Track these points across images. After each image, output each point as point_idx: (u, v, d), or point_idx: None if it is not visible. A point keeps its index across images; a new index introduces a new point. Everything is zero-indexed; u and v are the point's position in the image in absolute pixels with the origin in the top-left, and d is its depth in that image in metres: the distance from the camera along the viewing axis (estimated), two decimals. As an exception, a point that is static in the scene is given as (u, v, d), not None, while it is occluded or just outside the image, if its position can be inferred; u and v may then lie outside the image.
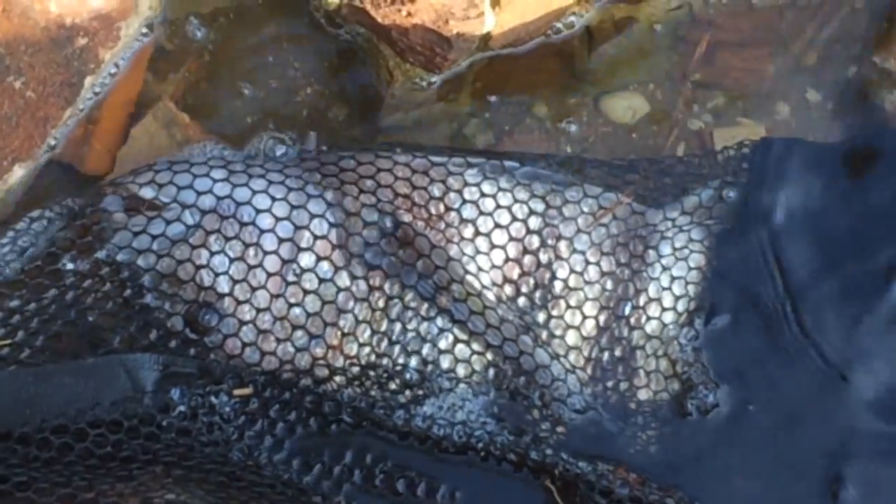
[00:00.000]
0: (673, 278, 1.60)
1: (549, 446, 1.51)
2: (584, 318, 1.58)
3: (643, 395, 1.58)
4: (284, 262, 1.49)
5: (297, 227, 1.50)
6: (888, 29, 1.78)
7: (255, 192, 1.51)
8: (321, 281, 1.50)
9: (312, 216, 1.51)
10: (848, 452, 1.56)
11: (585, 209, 1.59)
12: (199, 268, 1.48)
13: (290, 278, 1.49)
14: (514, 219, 1.57)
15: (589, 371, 1.57)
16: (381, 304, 1.52)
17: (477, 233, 1.55)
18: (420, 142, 1.69)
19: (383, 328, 1.52)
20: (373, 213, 1.53)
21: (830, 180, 1.66)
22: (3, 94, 1.58)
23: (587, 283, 1.58)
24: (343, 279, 1.51)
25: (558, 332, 1.57)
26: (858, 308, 1.61)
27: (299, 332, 1.49)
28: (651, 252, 1.60)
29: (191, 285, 1.47)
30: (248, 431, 1.46)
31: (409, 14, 1.63)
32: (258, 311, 1.48)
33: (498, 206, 1.57)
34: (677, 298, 1.60)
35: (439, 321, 1.53)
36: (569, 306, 1.57)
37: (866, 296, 1.61)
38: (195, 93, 1.73)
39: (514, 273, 1.56)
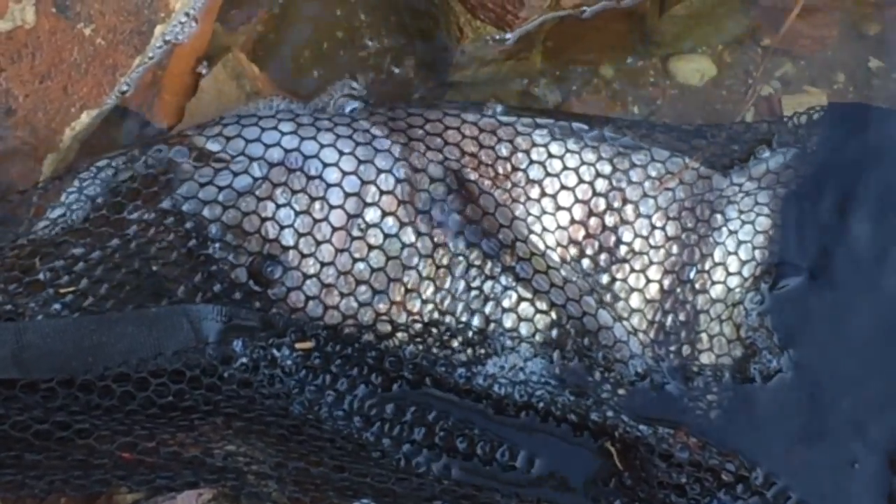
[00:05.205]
0: (739, 243, 1.55)
1: (609, 408, 1.47)
2: (648, 281, 1.53)
3: (706, 359, 1.53)
4: (350, 216, 1.45)
5: (364, 182, 1.46)
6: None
7: (322, 146, 1.46)
8: (386, 236, 1.46)
9: (379, 171, 1.47)
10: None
11: (652, 173, 1.54)
12: (264, 220, 1.43)
13: (355, 233, 1.45)
14: (581, 181, 1.52)
15: (652, 334, 1.52)
16: (445, 261, 1.47)
17: (543, 193, 1.50)
18: (487, 100, 1.64)
19: (447, 285, 1.47)
20: (439, 170, 1.48)
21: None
22: (73, 40, 1.54)
23: (652, 246, 1.53)
24: (408, 235, 1.46)
25: (622, 295, 1.52)
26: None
27: (363, 287, 1.45)
28: (717, 216, 1.55)
29: (256, 237, 1.43)
30: (310, 385, 1.43)
31: (482, -30, 1.59)
32: (322, 265, 1.44)
33: (565, 168, 1.52)
34: (743, 263, 1.55)
35: (503, 280, 1.48)
36: (633, 270, 1.52)
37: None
38: (265, 44, 1.69)
39: (580, 235, 1.51)
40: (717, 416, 1.50)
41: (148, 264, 1.43)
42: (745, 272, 1.54)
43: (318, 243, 1.44)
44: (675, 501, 1.43)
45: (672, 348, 1.52)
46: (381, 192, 1.46)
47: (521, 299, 1.49)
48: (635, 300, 1.52)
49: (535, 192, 1.50)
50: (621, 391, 1.49)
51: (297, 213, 1.44)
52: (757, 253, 1.55)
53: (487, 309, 1.48)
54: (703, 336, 1.53)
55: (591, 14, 1.69)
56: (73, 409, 1.35)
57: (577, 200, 1.51)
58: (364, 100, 1.62)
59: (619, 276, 1.52)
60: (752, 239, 1.55)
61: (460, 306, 1.48)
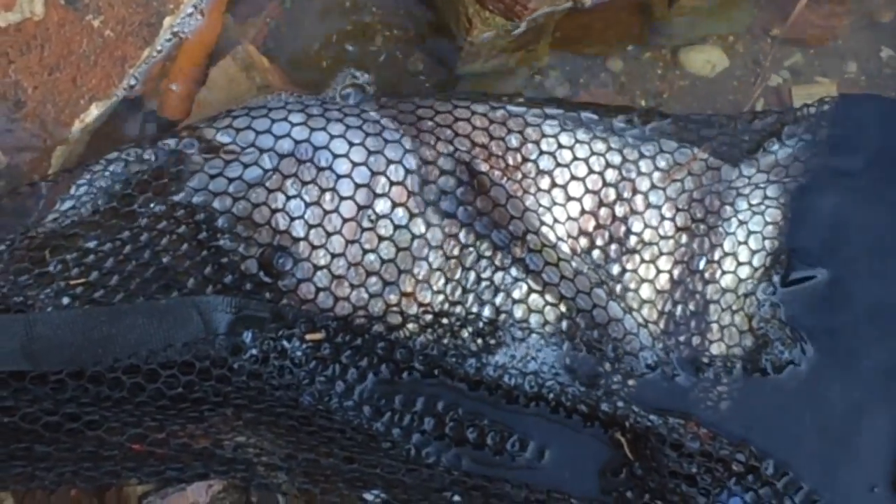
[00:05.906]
0: (749, 233, 1.54)
1: (620, 399, 1.46)
2: (659, 272, 1.52)
3: (716, 349, 1.51)
4: (360, 207, 1.45)
5: (374, 173, 1.45)
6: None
7: (332, 137, 1.46)
8: (396, 227, 1.45)
9: (389, 161, 1.46)
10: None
11: (662, 164, 1.54)
12: (274, 211, 1.43)
13: (366, 224, 1.45)
14: (591, 171, 1.51)
15: (662, 325, 1.51)
16: (455, 252, 1.47)
17: (553, 184, 1.50)
18: (497, 91, 1.65)
19: (457, 276, 1.47)
20: (449, 162, 1.47)
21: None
22: (82, 32, 1.54)
23: (662, 237, 1.52)
24: (418, 226, 1.46)
25: (632, 286, 1.51)
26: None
27: (373, 279, 1.44)
28: (727, 207, 1.54)
29: (266, 229, 1.43)
30: (320, 376, 1.42)
31: (490, -40, 1.58)
32: (333, 256, 1.43)
33: (575, 158, 1.51)
34: (753, 253, 1.53)
35: (514, 271, 1.48)
36: (643, 260, 1.52)
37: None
38: (275, 36, 1.69)
39: (590, 225, 1.51)
40: (728, 407, 1.49)
41: (158, 256, 1.42)
42: (756, 262, 1.53)
43: (329, 234, 1.43)
44: (685, 491, 1.42)
45: (682, 339, 1.51)
46: (392, 183, 1.45)
47: (531, 290, 1.48)
48: (646, 290, 1.51)
49: (545, 183, 1.49)
50: (632, 382, 1.48)
51: (307, 205, 1.43)
52: (767, 243, 1.53)
53: (498, 300, 1.47)
54: (714, 326, 1.52)
55: (592, 4, 1.66)
56: (82, 400, 1.34)
57: (587, 191, 1.50)
58: (365, 89, 1.61)
59: (629, 266, 1.51)
60: (762, 229, 1.54)
61: (471, 297, 1.47)
